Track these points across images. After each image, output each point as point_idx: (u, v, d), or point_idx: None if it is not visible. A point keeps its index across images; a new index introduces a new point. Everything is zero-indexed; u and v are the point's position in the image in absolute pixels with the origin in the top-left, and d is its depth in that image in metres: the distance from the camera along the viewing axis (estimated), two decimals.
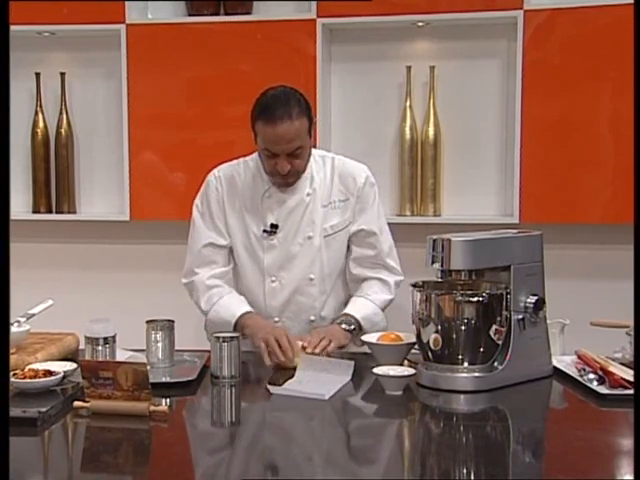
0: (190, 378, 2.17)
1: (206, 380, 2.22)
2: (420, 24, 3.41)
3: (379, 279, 2.61)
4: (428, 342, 2.13)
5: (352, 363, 2.20)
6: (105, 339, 2.19)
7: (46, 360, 2.21)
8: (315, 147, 2.70)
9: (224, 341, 2.20)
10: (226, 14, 3.49)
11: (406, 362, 2.26)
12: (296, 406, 2.01)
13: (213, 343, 2.21)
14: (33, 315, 2.37)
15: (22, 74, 3.65)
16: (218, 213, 2.60)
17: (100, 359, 2.15)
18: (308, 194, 2.56)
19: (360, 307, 2.55)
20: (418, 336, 2.18)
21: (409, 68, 3.46)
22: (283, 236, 2.56)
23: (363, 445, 1.82)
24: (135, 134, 3.54)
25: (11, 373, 2.03)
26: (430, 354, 2.14)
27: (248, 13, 3.48)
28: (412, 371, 2.10)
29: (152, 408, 1.90)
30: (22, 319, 2.31)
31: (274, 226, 2.55)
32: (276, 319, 2.60)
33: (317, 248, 2.57)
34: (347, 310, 2.54)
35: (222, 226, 2.60)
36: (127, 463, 1.76)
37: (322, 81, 3.38)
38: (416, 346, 2.23)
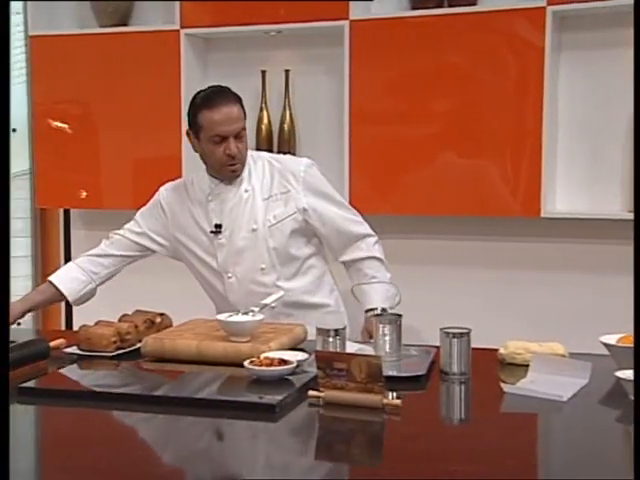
0: (419, 373, 2.15)
1: (435, 375, 2.19)
2: None
3: (375, 258, 2.78)
4: None
5: (589, 364, 2.09)
6: (336, 331, 2.21)
7: (278, 349, 2.26)
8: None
9: (454, 337, 2.16)
10: (450, 6, 3.44)
11: None
12: (531, 406, 1.95)
13: (443, 338, 2.18)
14: (266, 305, 2.43)
15: (249, 72, 3.77)
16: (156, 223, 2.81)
17: (331, 350, 2.17)
18: (246, 190, 2.71)
19: (376, 295, 2.70)
20: None
21: None
22: (229, 233, 2.71)
23: (606, 452, 1.72)
24: (356, 130, 3.57)
25: (247, 360, 2.10)
26: None
27: (473, 4, 3.41)
28: None
29: (385, 401, 1.90)
30: (256, 309, 2.37)
31: (218, 226, 2.71)
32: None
33: (263, 239, 2.69)
34: (370, 305, 2.66)
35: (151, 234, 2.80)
36: (362, 454, 1.77)
37: (550, 72, 3.26)
38: None
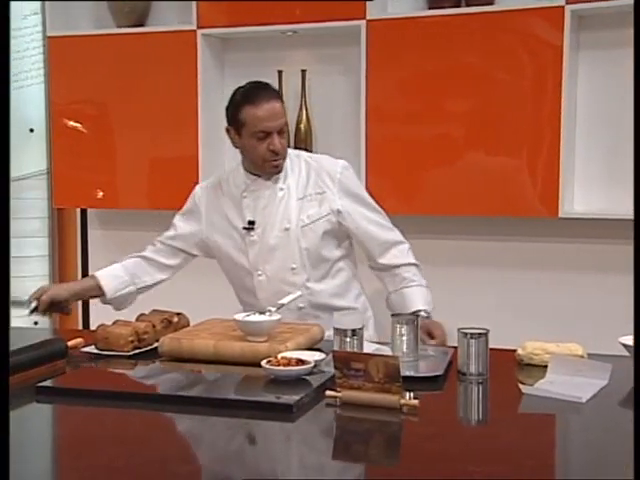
0: (437, 373, 2.14)
1: (452, 376, 2.18)
2: None
3: (411, 264, 2.76)
4: None
5: (609, 365, 2.08)
6: (353, 331, 2.20)
7: (295, 349, 2.25)
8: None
9: (472, 337, 2.15)
10: (467, 6, 3.42)
11: None
12: (550, 407, 1.93)
13: (460, 339, 2.17)
14: (282, 305, 2.42)
15: (266, 73, 3.75)
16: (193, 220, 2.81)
17: (348, 350, 2.16)
18: (281, 189, 2.69)
19: (420, 297, 2.71)
20: None
21: None
22: (261, 231, 2.70)
23: (625, 454, 1.71)
24: (372, 129, 3.56)
25: (265, 360, 2.10)
26: None
27: (490, 3, 3.40)
28: None
29: (402, 401, 1.89)
30: (273, 309, 2.37)
31: (251, 222, 2.70)
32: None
33: (295, 238, 2.68)
34: (416, 307, 2.65)
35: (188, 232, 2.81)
36: (379, 454, 1.76)
37: (568, 72, 3.24)
38: None
